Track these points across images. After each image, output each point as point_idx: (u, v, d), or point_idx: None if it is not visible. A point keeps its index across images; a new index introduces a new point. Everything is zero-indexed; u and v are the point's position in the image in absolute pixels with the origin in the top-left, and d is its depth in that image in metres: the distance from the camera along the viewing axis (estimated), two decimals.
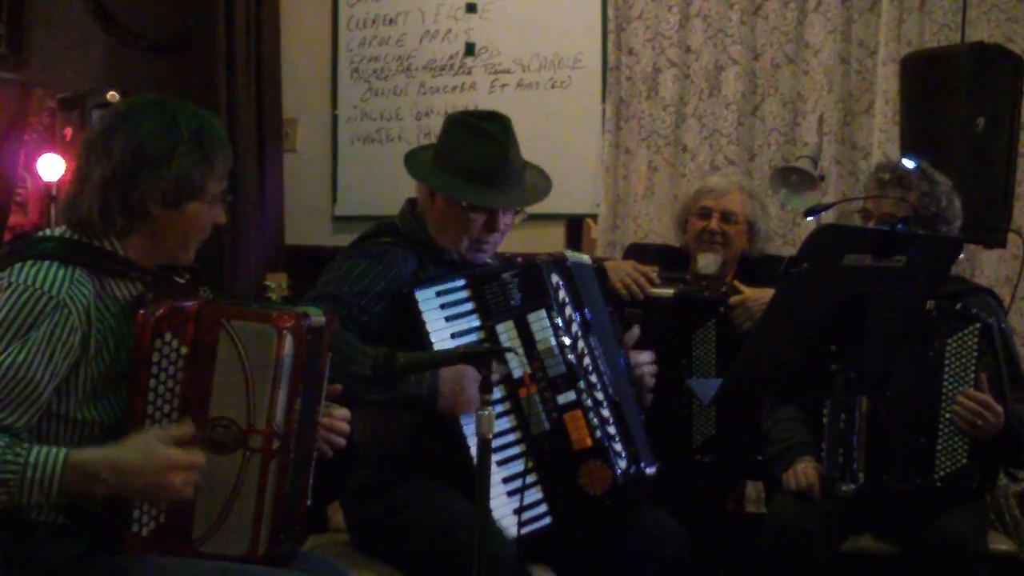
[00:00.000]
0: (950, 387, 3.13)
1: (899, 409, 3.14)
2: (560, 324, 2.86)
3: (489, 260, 3.05)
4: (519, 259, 2.99)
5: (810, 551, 2.89)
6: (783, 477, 3.24)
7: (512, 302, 2.85)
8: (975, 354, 3.13)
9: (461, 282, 2.86)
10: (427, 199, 3.00)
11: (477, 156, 2.90)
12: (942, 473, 3.13)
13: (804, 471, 3.19)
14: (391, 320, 2.82)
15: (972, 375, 3.12)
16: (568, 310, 2.91)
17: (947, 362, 3.14)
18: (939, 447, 3.13)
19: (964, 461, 3.11)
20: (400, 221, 3.02)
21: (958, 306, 3.16)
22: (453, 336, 2.81)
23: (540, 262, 2.92)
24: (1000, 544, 3.28)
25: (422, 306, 2.80)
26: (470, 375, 2.72)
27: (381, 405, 2.79)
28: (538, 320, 2.84)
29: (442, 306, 2.82)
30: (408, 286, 2.83)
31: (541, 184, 3.05)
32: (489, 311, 2.85)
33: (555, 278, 2.92)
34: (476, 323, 2.84)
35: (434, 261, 2.96)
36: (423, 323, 2.79)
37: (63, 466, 2.06)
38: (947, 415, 3.12)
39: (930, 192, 3.30)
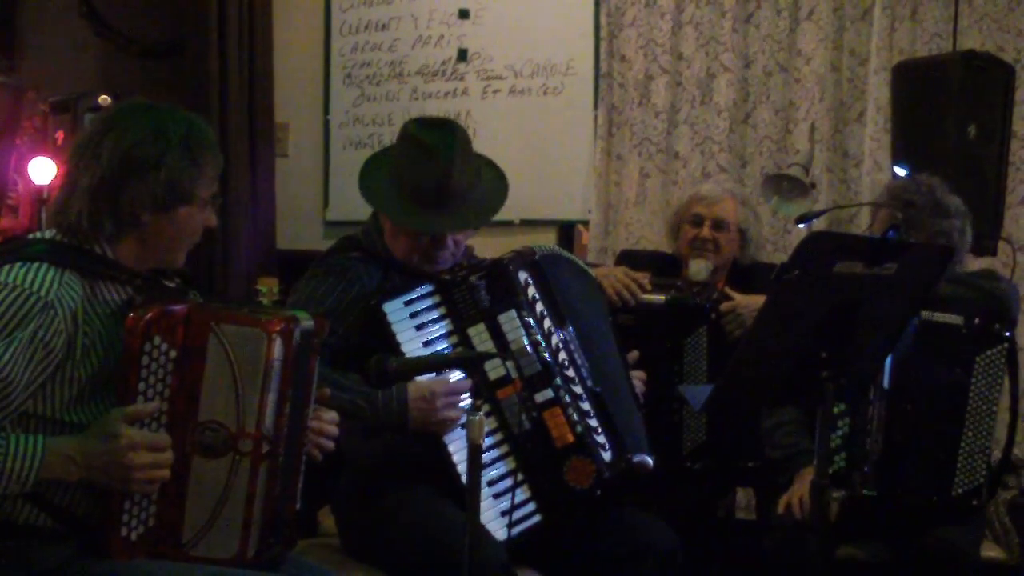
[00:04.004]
0: (975, 405, 3.11)
1: (922, 422, 3.12)
2: (531, 322, 2.85)
3: (462, 262, 3.03)
4: (487, 260, 2.96)
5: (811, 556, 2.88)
6: (781, 501, 3.23)
7: (481, 304, 2.84)
8: (1001, 373, 3.13)
9: (429, 288, 2.85)
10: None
11: (419, 175, 2.85)
12: (960, 491, 3.11)
13: (803, 499, 3.16)
14: (361, 336, 2.81)
15: (997, 395, 3.12)
16: (539, 306, 2.90)
17: (974, 380, 3.12)
18: (959, 465, 3.11)
19: (981, 480, 3.11)
20: (363, 234, 3.01)
21: (976, 321, 3.13)
22: (425, 344, 2.81)
23: (506, 261, 2.90)
24: (990, 552, 3.28)
25: (390, 318, 2.79)
26: (439, 393, 2.73)
27: (358, 432, 2.80)
28: (509, 320, 2.84)
29: (412, 315, 2.82)
30: (375, 298, 2.82)
31: (491, 201, 2.97)
32: (460, 315, 2.84)
33: (523, 275, 2.90)
34: (447, 329, 2.84)
35: (398, 271, 2.94)
36: (393, 335, 2.78)
37: (43, 453, 2.08)
38: (970, 433, 3.11)
39: (942, 230, 3.22)
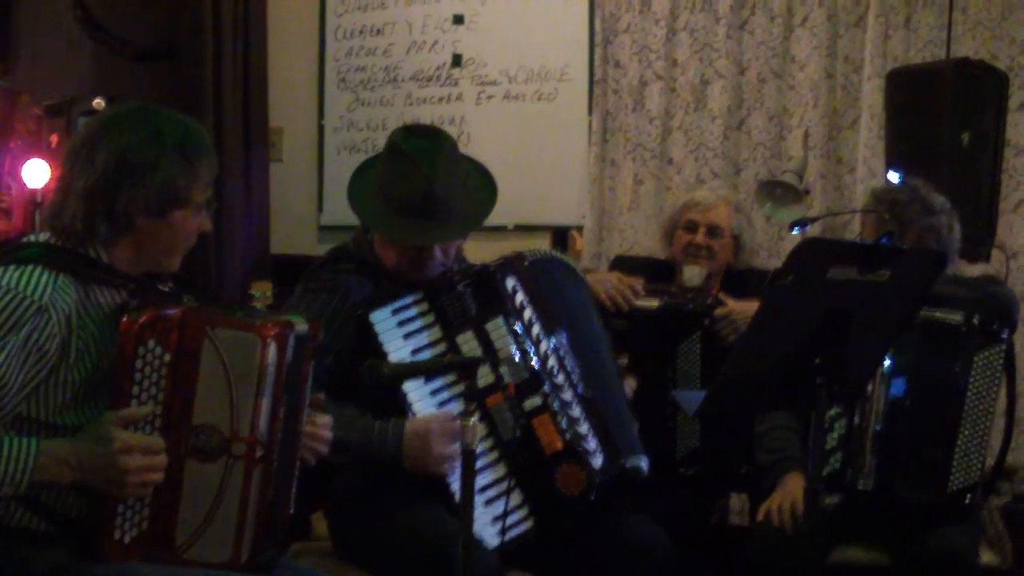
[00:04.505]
0: (972, 403, 3.12)
1: (919, 419, 3.12)
2: (519, 330, 2.84)
3: (453, 267, 3.02)
4: (475, 267, 2.95)
5: (798, 561, 2.88)
6: (762, 508, 3.23)
7: (469, 312, 2.83)
8: (999, 373, 3.13)
9: (417, 296, 2.84)
10: None
11: (404, 186, 2.83)
12: (955, 487, 3.11)
13: (783, 507, 3.18)
14: (355, 348, 2.80)
15: (994, 394, 3.12)
16: (527, 313, 2.88)
17: (972, 378, 3.12)
18: (955, 462, 3.10)
19: (976, 478, 3.11)
20: (353, 243, 3.00)
21: (975, 320, 3.13)
22: (414, 352, 2.79)
23: (493, 268, 2.89)
24: (984, 557, 3.28)
25: (378, 327, 2.78)
26: (434, 433, 2.72)
27: (351, 466, 2.80)
28: (496, 328, 2.82)
29: (399, 323, 2.80)
30: (363, 307, 2.82)
31: (477, 209, 2.94)
32: (448, 323, 2.82)
33: (510, 282, 2.89)
34: (436, 337, 2.82)
35: (389, 279, 2.93)
36: (380, 344, 2.78)
37: (36, 455, 2.08)
38: (967, 431, 3.11)
39: (931, 226, 3.26)
